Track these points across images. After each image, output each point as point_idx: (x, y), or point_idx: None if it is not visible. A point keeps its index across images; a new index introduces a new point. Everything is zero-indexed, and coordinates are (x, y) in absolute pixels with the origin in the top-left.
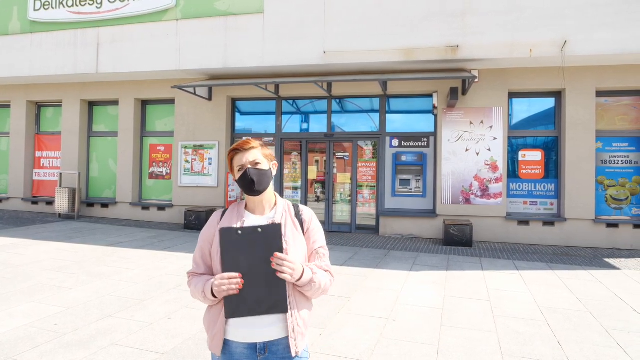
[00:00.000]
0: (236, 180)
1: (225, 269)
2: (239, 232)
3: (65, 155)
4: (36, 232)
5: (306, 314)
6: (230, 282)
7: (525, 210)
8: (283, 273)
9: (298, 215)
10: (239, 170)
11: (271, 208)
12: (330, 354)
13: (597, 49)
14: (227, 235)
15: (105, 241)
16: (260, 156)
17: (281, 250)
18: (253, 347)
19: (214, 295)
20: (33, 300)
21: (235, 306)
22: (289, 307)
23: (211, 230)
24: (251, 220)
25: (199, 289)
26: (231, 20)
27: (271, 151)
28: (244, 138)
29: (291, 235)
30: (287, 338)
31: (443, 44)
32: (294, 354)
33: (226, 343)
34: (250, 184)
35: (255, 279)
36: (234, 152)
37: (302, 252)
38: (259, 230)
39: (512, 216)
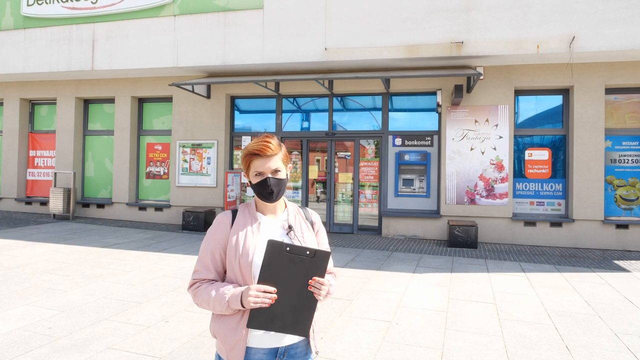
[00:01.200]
0: (252, 185)
1: (261, 280)
2: (287, 248)
3: (60, 155)
4: (30, 233)
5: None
6: (265, 295)
7: (532, 211)
8: (319, 296)
9: (308, 217)
10: (256, 176)
11: (282, 210)
12: (332, 358)
13: (607, 44)
14: (274, 248)
15: (101, 242)
16: (280, 163)
17: (323, 277)
18: (274, 351)
19: (242, 305)
20: (27, 303)
21: (260, 318)
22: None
23: (223, 233)
24: (265, 221)
25: (221, 298)
26: (230, 16)
27: (286, 151)
28: (262, 136)
29: (308, 237)
30: (304, 340)
31: (447, 40)
32: (314, 353)
33: (246, 350)
34: (270, 194)
35: (288, 297)
36: (254, 156)
37: None
38: (307, 253)
39: (518, 217)
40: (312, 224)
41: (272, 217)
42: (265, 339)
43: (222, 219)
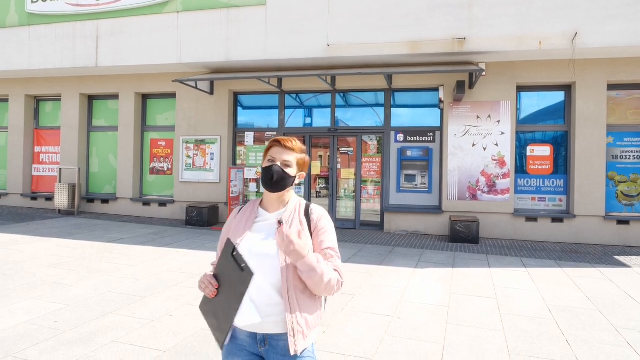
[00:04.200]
0: (262, 168)
1: (215, 271)
2: (234, 253)
3: (64, 151)
4: (36, 228)
5: (310, 313)
6: (207, 286)
7: (534, 207)
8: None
9: (307, 214)
10: (268, 161)
11: (284, 206)
12: (334, 352)
13: (609, 41)
14: (228, 248)
15: (105, 237)
16: (293, 161)
17: (242, 296)
18: (254, 336)
19: None
20: (33, 297)
21: (203, 305)
22: (287, 307)
23: (228, 224)
24: (262, 216)
25: None
26: (233, 12)
27: (307, 159)
28: (280, 137)
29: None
30: (286, 334)
31: (449, 36)
32: (292, 353)
33: (233, 328)
34: (269, 179)
35: (222, 298)
36: (275, 143)
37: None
38: (242, 266)
39: (519, 212)
40: (309, 220)
41: (272, 212)
42: (243, 322)
43: (232, 212)
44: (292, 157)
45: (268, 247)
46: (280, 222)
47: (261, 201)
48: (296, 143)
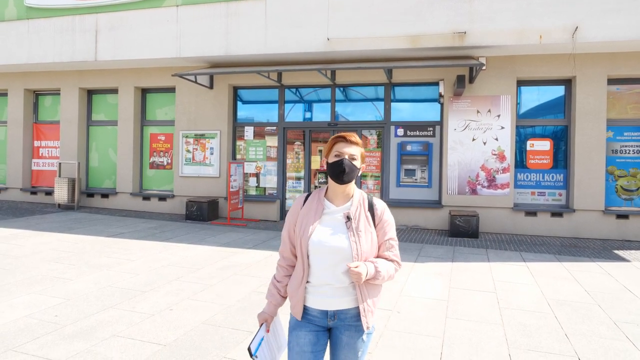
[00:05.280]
0: (328, 163)
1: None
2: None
3: (64, 145)
4: (36, 222)
5: (375, 295)
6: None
7: (533, 201)
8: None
9: (371, 208)
10: (335, 156)
11: (348, 199)
12: None
13: (610, 35)
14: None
15: (105, 232)
16: (358, 154)
17: None
18: (325, 313)
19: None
20: (33, 292)
21: None
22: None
23: (294, 214)
24: (329, 208)
25: (268, 292)
26: (232, 6)
27: (364, 152)
28: (339, 133)
29: (363, 227)
30: (354, 308)
31: (450, 30)
32: (365, 329)
33: (304, 308)
34: (341, 173)
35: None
36: (339, 139)
37: (371, 242)
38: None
39: (519, 207)
40: (373, 214)
41: (337, 206)
42: (317, 302)
43: (295, 202)
44: (357, 151)
45: (340, 241)
46: (349, 218)
47: (325, 192)
48: (357, 137)
